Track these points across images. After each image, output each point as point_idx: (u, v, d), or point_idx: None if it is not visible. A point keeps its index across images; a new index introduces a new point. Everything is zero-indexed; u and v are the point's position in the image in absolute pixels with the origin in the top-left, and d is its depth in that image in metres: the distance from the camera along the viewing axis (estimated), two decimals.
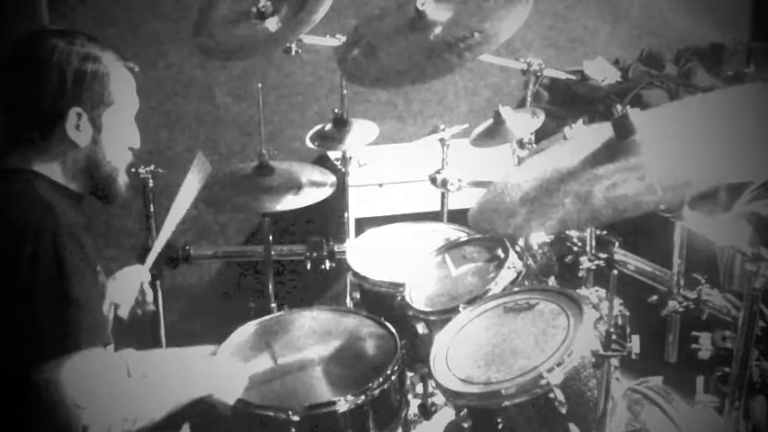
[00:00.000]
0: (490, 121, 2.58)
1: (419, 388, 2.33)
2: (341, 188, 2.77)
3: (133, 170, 2.76)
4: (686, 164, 1.43)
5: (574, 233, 2.52)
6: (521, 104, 2.79)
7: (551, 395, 1.70)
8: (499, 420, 1.77)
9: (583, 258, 2.37)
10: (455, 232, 2.62)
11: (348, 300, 2.66)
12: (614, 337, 1.63)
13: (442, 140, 2.72)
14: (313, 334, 2.15)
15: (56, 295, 1.50)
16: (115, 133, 1.71)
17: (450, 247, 2.45)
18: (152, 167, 2.79)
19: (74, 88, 1.62)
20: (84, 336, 1.51)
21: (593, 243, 2.37)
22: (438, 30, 2.17)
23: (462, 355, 1.92)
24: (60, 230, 1.53)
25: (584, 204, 1.45)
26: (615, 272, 1.65)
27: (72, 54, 1.62)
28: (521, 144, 2.63)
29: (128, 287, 2.02)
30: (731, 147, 1.42)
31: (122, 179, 1.77)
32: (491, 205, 1.70)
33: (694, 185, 1.41)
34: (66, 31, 1.67)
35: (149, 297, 2.08)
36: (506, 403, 1.74)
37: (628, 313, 1.73)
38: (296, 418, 1.82)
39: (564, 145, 1.95)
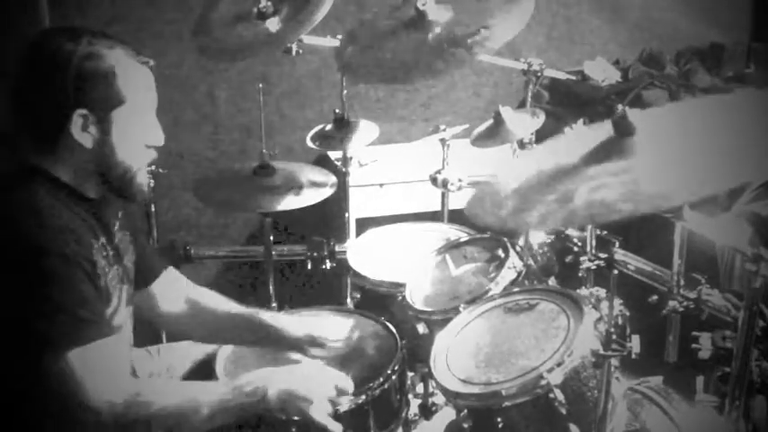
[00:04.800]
0: (490, 121, 2.58)
1: (419, 388, 2.33)
2: (341, 188, 2.77)
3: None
4: (683, 168, 1.41)
5: (574, 233, 2.52)
6: (521, 104, 2.78)
7: (551, 395, 1.71)
8: (499, 420, 1.77)
9: (583, 258, 2.37)
10: (455, 232, 2.62)
11: (348, 300, 2.66)
12: (614, 337, 1.63)
13: (442, 140, 2.71)
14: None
15: (40, 298, 1.52)
16: (129, 132, 1.66)
17: (451, 247, 2.45)
18: (152, 167, 2.78)
19: (77, 89, 1.59)
20: (74, 334, 1.52)
21: (594, 243, 2.37)
22: (438, 29, 2.17)
23: (463, 356, 1.92)
24: (48, 237, 1.53)
25: (564, 204, 1.43)
26: (615, 272, 1.66)
27: (75, 54, 1.59)
28: (521, 144, 2.63)
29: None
30: (731, 151, 1.41)
31: (142, 178, 1.73)
32: (484, 195, 1.68)
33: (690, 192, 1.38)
34: (74, 29, 1.63)
35: None
36: (506, 404, 1.75)
37: (628, 313, 1.73)
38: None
39: (563, 139, 1.94)
